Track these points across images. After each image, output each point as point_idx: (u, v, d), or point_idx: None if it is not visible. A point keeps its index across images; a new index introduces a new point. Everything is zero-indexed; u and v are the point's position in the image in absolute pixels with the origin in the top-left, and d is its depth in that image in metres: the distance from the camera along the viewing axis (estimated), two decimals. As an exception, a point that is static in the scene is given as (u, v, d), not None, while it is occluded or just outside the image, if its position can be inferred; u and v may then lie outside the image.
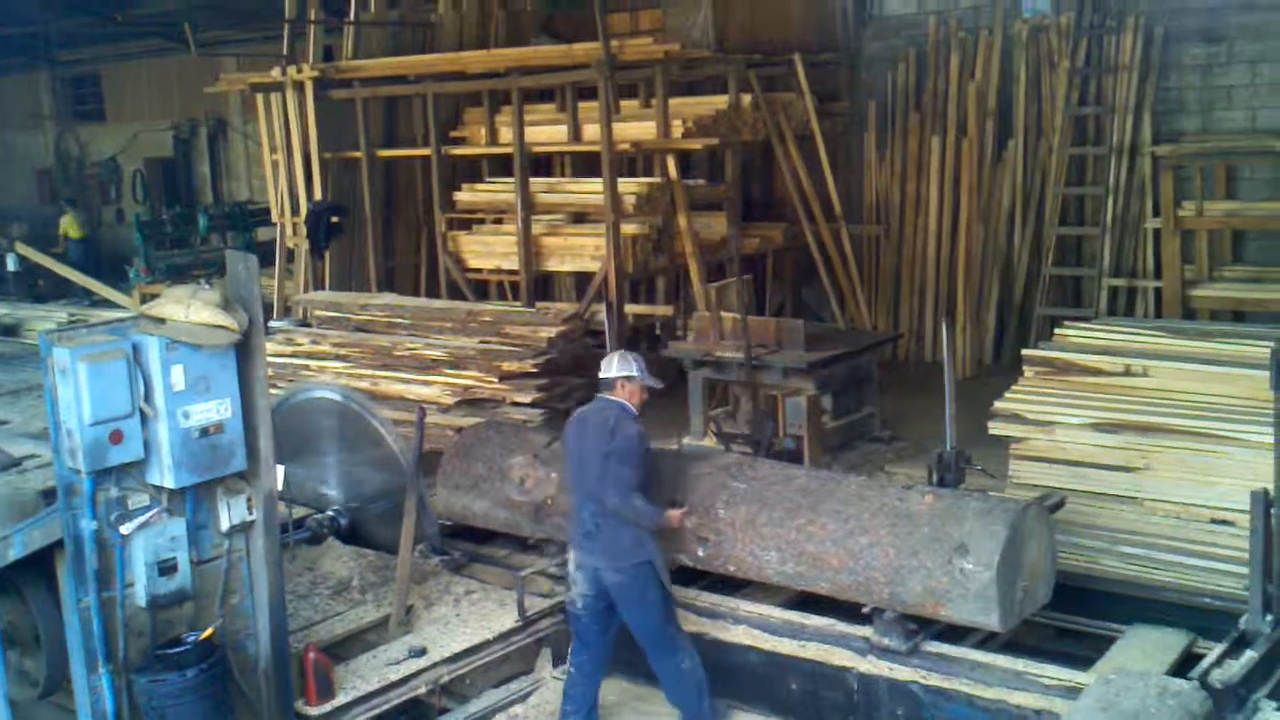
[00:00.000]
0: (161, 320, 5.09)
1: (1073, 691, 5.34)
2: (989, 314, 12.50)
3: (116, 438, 4.95)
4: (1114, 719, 4.68)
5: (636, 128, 11.58)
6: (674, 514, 6.15)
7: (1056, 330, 8.14)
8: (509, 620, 6.53)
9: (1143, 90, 11.60)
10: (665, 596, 6.01)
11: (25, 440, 8.92)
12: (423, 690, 6.11)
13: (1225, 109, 11.53)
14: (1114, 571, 6.61)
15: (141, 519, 5.05)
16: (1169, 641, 6.02)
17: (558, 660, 6.67)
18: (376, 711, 5.90)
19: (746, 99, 11.87)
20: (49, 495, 6.33)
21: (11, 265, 19.06)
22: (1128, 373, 7.33)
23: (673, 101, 11.54)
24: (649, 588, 5.92)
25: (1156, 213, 11.46)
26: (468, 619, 6.59)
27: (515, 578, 6.70)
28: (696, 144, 11.53)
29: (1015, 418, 7.39)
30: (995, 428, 7.46)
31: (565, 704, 6.07)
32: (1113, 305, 11.75)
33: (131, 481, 5.11)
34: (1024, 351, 8.00)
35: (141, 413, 5.01)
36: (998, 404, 7.50)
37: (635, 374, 6.04)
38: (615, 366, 6.08)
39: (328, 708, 5.69)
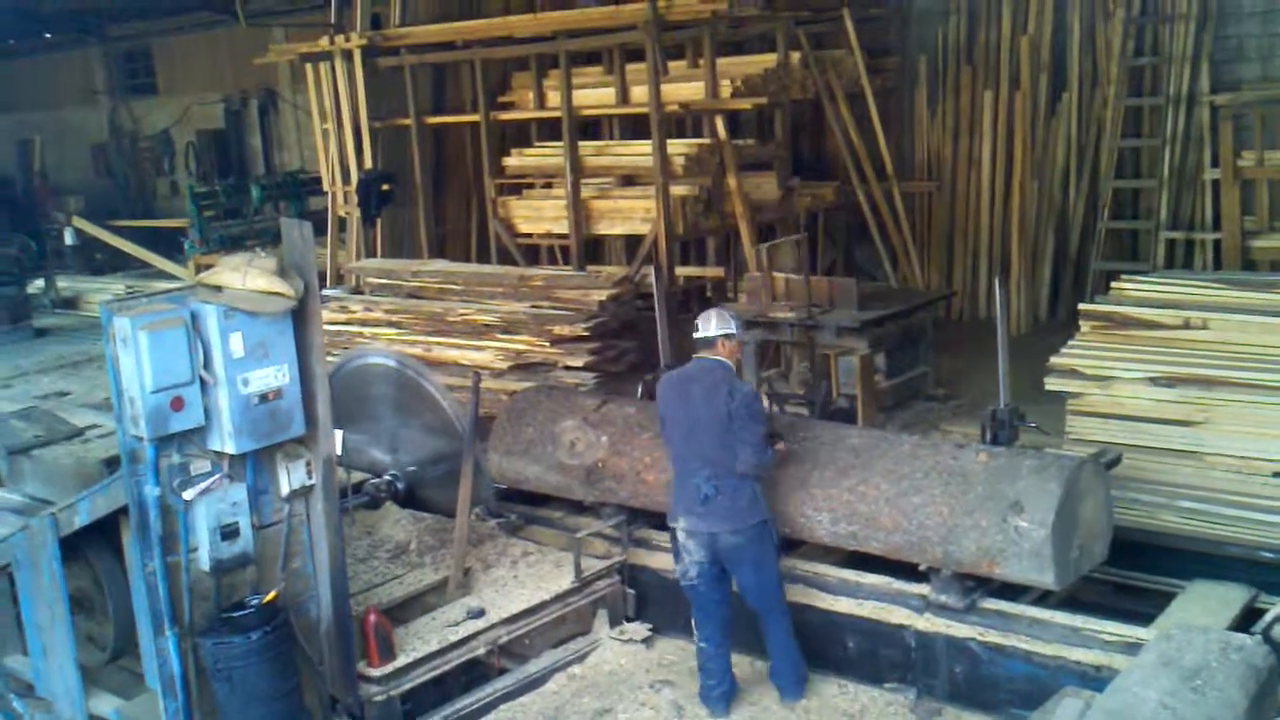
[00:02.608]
0: (219, 288, 5.14)
1: (1133, 647, 5.31)
2: (1043, 270, 12.36)
3: (178, 404, 5.01)
4: (1175, 674, 4.64)
5: (685, 88, 11.51)
6: (781, 449, 6.09)
7: (1114, 284, 8.05)
8: (566, 581, 6.58)
9: (1200, 39, 11.37)
10: (778, 555, 5.99)
11: (86, 411, 9.08)
12: (482, 651, 6.18)
13: (1287, 56, 11.29)
14: (1174, 527, 6.55)
15: (203, 484, 5.12)
16: (1230, 596, 5.95)
17: (614, 621, 6.72)
18: (437, 672, 5.98)
19: (795, 57, 11.76)
20: (111, 464, 6.45)
21: (69, 239, 19.31)
22: (1187, 326, 7.24)
23: (721, 61, 11.45)
24: (766, 547, 5.87)
25: (1215, 164, 11.28)
26: (525, 581, 6.65)
27: (571, 540, 6.75)
28: (745, 104, 11.44)
29: (1072, 373, 7.33)
30: (1052, 383, 7.40)
31: (706, 679, 5.95)
32: (1170, 259, 11.57)
33: (193, 448, 5.17)
34: (1081, 306, 7.91)
35: (201, 380, 5.07)
36: (1054, 359, 7.44)
37: (734, 331, 5.95)
38: (715, 325, 5.94)
39: (389, 669, 5.77)
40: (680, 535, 5.89)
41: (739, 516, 5.79)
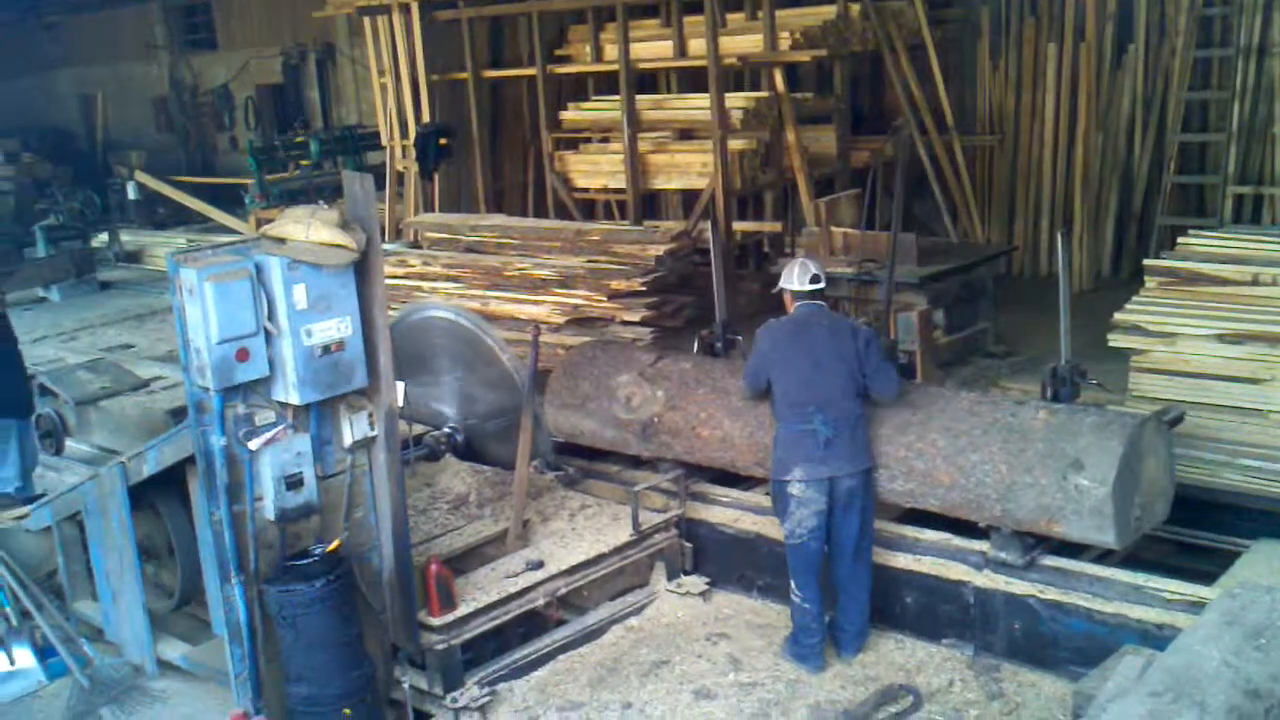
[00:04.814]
0: (282, 240, 5.18)
1: (1195, 606, 5.26)
2: (1107, 225, 12.16)
3: (243, 355, 5.07)
4: (1239, 633, 4.59)
5: (743, 41, 11.42)
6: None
7: (1180, 239, 7.91)
8: (623, 534, 6.61)
9: (1273, -13, 11.10)
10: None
11: (151, 363, 9.23)
12: (540, 602, 6.24)
13: (1363, 4, 10.98)
14: (1238, 485, 6.48)
15: (268, 435, 5.18)
16: (1296, 555, 5.89)
17: (671, 574, 6.76)
18: (496, 623, 6.05)
19: (855, 8, 11.62)
20: (177, 415, 6.56)
21: (132, 194, 19.52)
22: (1255, 282, 7.10)
23: (779, 13, 11.33)
24: (872, 493, 5.96)
25: (1286, 117, 11.03)
26: (583, 533, 6.69)
27: (629, 493, 6.78)
28: (804, 56, 11.33)
29: (1136, 329, 7.23)
30: (1115, 339, 7.30)
31: (807, 638, 5.90)
32: (1238, 214, 11.32)
33: (258, 399, 5.24)
34: (1146, 261, 7.78)
35: (266, 331, 5.13)
36: (1118, 315, 7.34)
37: (824, 281, 6.15)
38: (811, 274, 6.07)
39: (449, 618, 5.83)
40: (796, 488, 5.78)
41: (857, 458, 5.83)
